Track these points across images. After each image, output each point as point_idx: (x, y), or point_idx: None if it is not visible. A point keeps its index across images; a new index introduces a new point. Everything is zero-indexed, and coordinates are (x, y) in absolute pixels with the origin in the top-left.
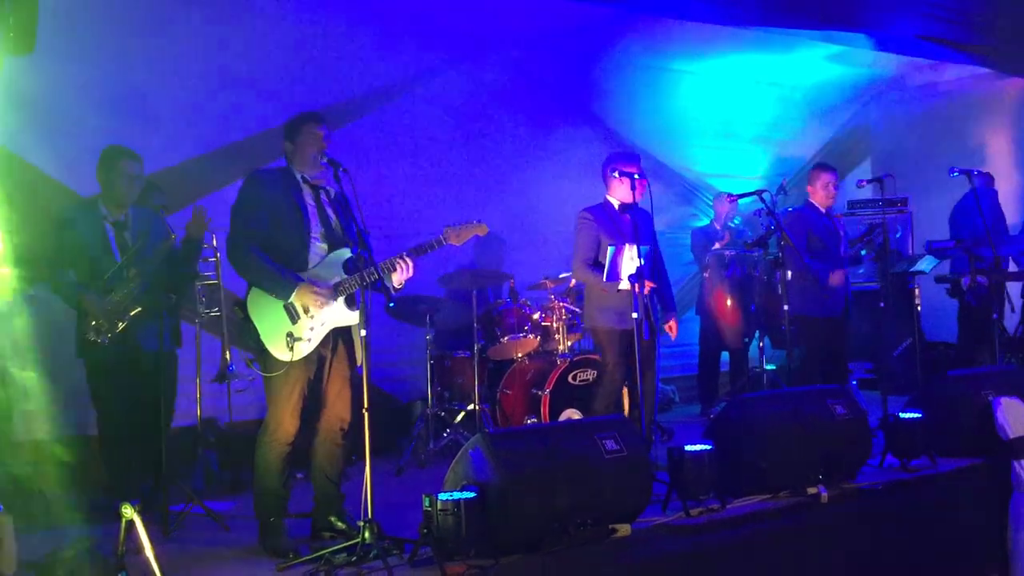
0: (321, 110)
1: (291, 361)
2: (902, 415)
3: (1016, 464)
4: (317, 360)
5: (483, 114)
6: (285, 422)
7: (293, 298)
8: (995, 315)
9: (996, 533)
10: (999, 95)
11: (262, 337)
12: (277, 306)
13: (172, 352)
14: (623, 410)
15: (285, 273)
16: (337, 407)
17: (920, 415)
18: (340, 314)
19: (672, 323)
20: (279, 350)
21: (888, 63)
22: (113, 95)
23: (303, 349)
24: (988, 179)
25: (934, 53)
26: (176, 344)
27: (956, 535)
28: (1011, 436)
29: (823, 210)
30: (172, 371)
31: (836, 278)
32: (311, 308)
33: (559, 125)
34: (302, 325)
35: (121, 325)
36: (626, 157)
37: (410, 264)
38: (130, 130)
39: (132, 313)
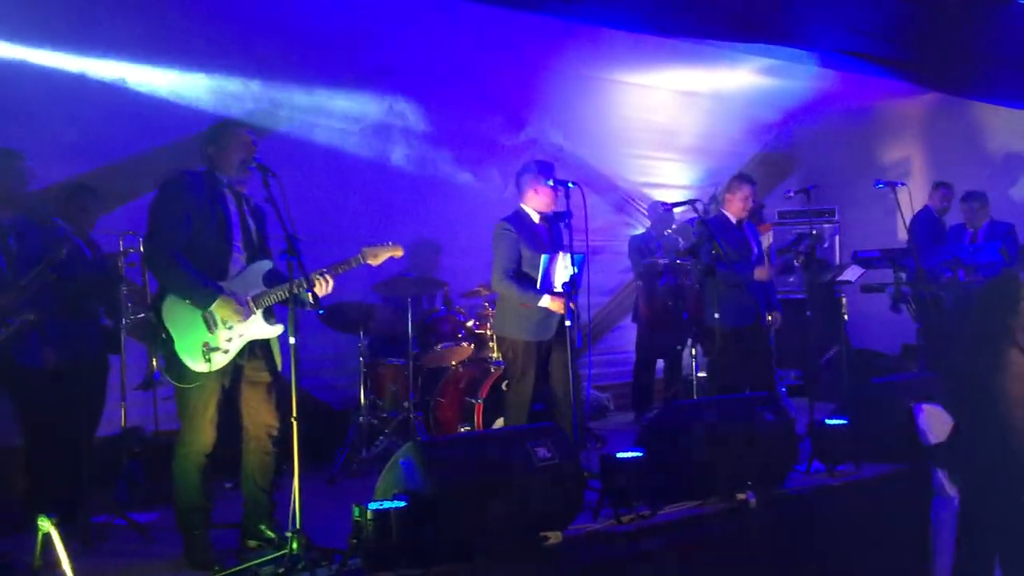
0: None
1: (207, 372)
2: (828, 422)
3: (936, 470)
4: (232, 371)
5: (418, 120)
6: (201, 435)
7: (213, 308)
8: (918, 324)
9: (918, 537)
10: (921, 109)
11: (176, 346)
12: (195, 315)
13: (101, 360)
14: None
15: (207, 282)
16: (262, 414)
17: (845, 422)
18: (259, 327)
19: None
20: (195, 361)
21: (817, 76)
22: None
23: (219, 360)
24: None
25: (858, 67)
26: (110, 350)
27: (880, 539)
28: (932, 442)
29: (734, 220)
30: (100, 379)
31: (761, 273)
32: (228, 319)
33: (496, 133)
34: (220, 336)
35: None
36: (541, 166)
37: (329, 280)
38: (52, 130)
39: (21, 319)
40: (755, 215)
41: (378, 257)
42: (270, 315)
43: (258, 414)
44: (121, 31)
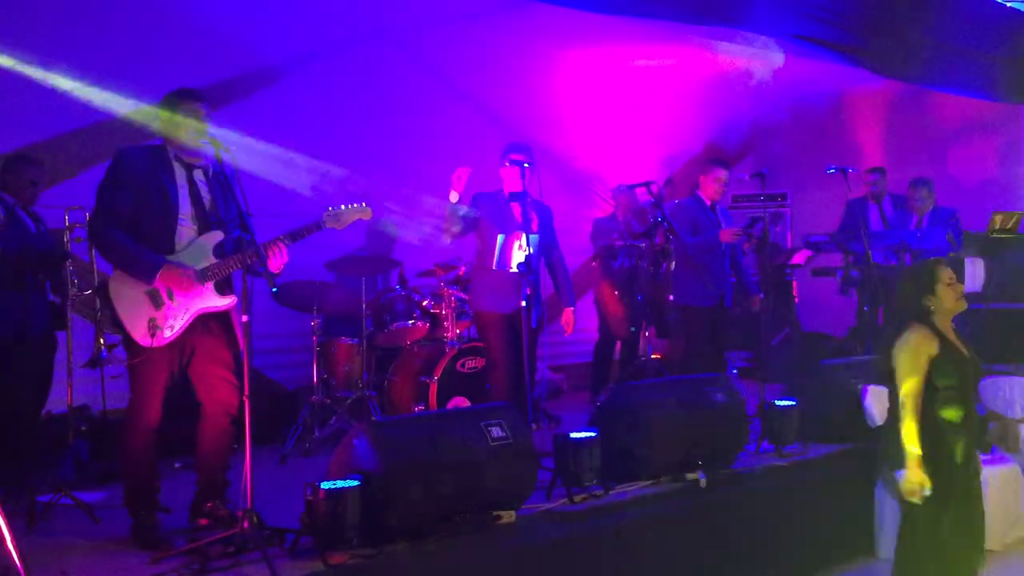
0: (202, 88)
1: (152, 348)
2: (777, 403)
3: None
4: (184, 346)
5: (373, 97)
6: (148, 410)
7: (157, 281)
8: (866, 307)
9: (863, 515)
10: (874, 95)
11: (123, 321)
12: (140, 291)
13: (47, 336)
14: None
15: (147, 255)
16: (220, 392)
17: (794, 403)
18: (208, 300)
19: (567, 315)
20: (140, 336)
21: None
22: None
23: (165, 336)
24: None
25: (810, 52)
26: (57, 327)
27: (827, 518)
28: (878, 422)
29: (708, 203)
30: (46, 356)
31: (726, 234)
32: (175, 293)
33: (452, 111)
34: (165, 312)
35: None
36: (518, 147)
37: (283, 249)
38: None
39: None
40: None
41: (342, 220)
42: (222, 287)
43: (216, 391)
44: None
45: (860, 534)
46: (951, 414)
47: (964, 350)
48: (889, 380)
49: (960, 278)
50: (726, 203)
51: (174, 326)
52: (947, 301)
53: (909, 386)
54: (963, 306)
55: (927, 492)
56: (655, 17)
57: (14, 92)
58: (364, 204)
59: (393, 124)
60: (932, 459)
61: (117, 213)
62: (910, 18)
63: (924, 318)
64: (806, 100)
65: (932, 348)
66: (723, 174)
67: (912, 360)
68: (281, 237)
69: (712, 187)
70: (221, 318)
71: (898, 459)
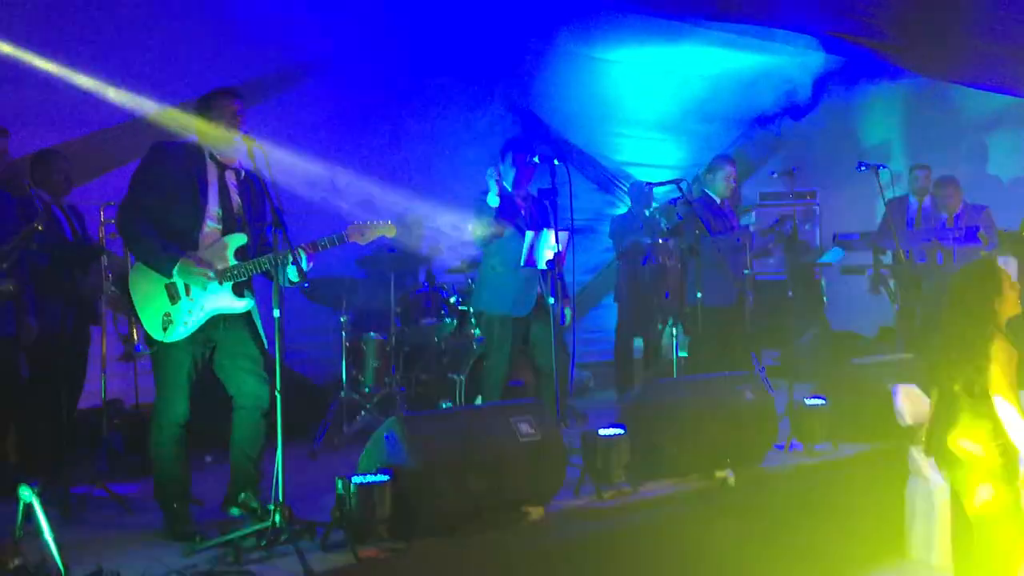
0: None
1: (165, 342)
2: (807, 401)
3: (913, 449)
4: (205, 341)
5: (406, 97)
6: (173, 404)
7: (176, 275)
8: (897, 306)
9: (894, 516)
10: (903, 92)
11: (139, 311)
12: (158, 285)
13: (80, 331)
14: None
15: (168, 248)
16: (250, 385)
17: (824, 402)
18: (224, 300)
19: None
20: (153, 329)
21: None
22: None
23: (178, 332)
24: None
25: (845, 50)
26: (89, 322)
27: (858, 518)
28: (908, 422)
29: (719, 201)
30: (79, 351)
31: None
32: (193, 287)
33: (483, 111)
34: (181, 307)
35: None
36: (517, 143)
37: (302, 257)
38: (43, 97)
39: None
40: (733, 196)
41: (366, 235)
42: (241, 289)
43: (245, 385)
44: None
45: (891, 534)
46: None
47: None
48: (937, 381)
49: None
50: (753, 199)
51: (188, 323)
52: (1009, 305)
53: (1013, 399)
54: (1019, 310)
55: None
56: (688, 16)
57: (45, 91)
58: (389, 221)
59: (420, 124)
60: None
61: (145, 206)
62: (943, 14)
63: (997, 322)
64: (836, 97)
65: (1014, 355)
66: (732, 171)
67: (1007, 372)
68: (302, 247)
69: (721, 184)
70: (244, 317)
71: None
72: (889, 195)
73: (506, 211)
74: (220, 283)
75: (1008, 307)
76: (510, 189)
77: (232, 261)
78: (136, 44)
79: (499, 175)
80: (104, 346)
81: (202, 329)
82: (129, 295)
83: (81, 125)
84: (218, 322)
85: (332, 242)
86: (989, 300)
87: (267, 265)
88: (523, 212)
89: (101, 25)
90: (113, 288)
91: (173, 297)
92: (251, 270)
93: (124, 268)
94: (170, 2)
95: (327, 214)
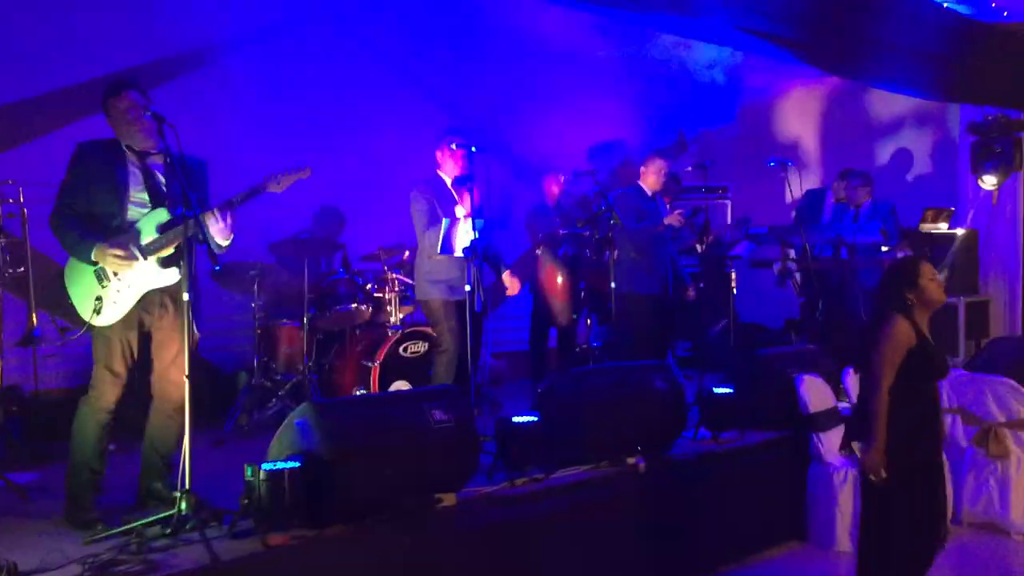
0: (156, 62)
1: (97, 325)
2: (715, 390)
3: (814, 436)
4: (137, 325)
5: (317, 81)
6: (103, 388)
7: (95, 258)
8: (803, 299)
9: (795, 501)
10: (815, 90)
11: (73, 300)
12: (87, 270)
13: None
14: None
15: (85, 235)
16: (172, 374)
17: (731, 391)
18: (151, 276)
19: (507, 274)
20: (87, 313)
21: (712, 53)
22: None
23: (109, 314)
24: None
25: (751, 46)
26: None
27: (761, 503)
28: (811, 411)
29: (650, 193)
30: None
31: (673, 218)
32: (118, 270)
33: (396, 98)
34: (109, 288)
35: None
36: (458, 132)
37: (219, 217)
38: None
39: None
40: (667, 188)
41: (282, 183)
42: (167, 263)
43: (168, 373)
44: None
45: (791, 520)
46: (922, 402)
47: (933, 346)
48: (864, 366)
49: None
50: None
51: (117, 302)
52: (929, 295)
53: (885, 373)
54: (943, 299)
55: (883, 475)
56: (607, 7)
57: None
58: (307, 168)
59: (338, 109)
60: (904, 441)
61: (70, 205)
62: (854, 14)
63: (904, 310)
64: (748, 94)
65: (911, 339)
66: (664, 165)
67: (892, 348)
68: (225, 202)
69: (652, 177)
70: (177, 302)
71: (864, 435)
72: (797, 190)
73: (443, 198)
74: (144, 258)
75: (927, 296)
76: (448, 179)
77: (154, 235)
78: (47, 14)
79: (437, 163)
80: (0, 331)
81: (135, 312)
82: (65, 289)
83: None
84: (153, 307)
85: (249, 195)
86: (900, 289)
87: (185, 233)
88: (458, 199)
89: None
90: (18, 271)
91: (102, 280)
92: (171, 241)
93: (23, 251)
94: None
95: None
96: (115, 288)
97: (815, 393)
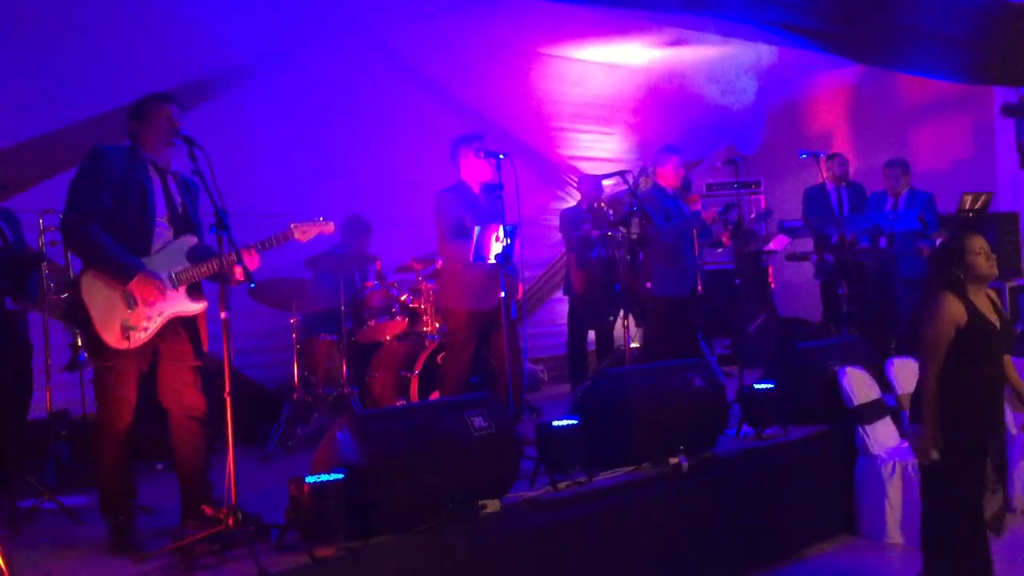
0: (182, 86)
1: (124, 351)
2: (756, 387)
3: (860, 429)
4: (151, 352)
5: (344, 95)
6: (117, 416)
7: (132, 286)
8: (841, 290)
9: (843, 495)
10: (845, 81)
11: (94, 322)
12: (113, 292)
13: (16, 343)
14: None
15: (127, 257)
16: (186, 396)
17: (772, 386)
18: (180, 304)
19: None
20: (112, 338)
21: (745, 49)
22: None
23: (139, 338)
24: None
25: (783, 40)
26: (18, 334)
27: (808, 498)
28: (855, 404)
29: (670, 192)
30: (17, 363)
31: (707, 214)
32: (150, 298)
33: (423, 107)
34: (139, 314)
35: None
36: (477, 137)
37: (255, 256)
38: None
39: None
40: (683, 187)
41: (307, 233)
42: (195, 291)
43: (182, 396)
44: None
45: (840, 513)
46: (977, 380)
47: (995, 319)
48: (919, 347)
49: None
50: (699, 189)
51: (148, 328)
52: (978, 269)
53: (931, 355)
54: (995, 273)
55: (935, 456)
56: (635, 7)
57: None
58: (323, 219)
59: (366, 121)
60: (959, 421)
61: (93, 210)
62: (880, 3)
63: (954, 288)
64: (780, 88)
65: (961, 317)
66: (680, 160)
67: (937, 330)
68: (254, 245)
69: (671, 175)
70: (187, 321)
71: (919, 418)
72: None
73: (467, 206)
74: (175, 288)
75: (976, 271)
76: (469, 183)
77: (184, 263)
78: (70, 48)
79: (459, 169)
80: (47, 356)
81: (152, 337)
82: (83, 303)
83: (14, 133)
84: (165, 331)
85: (278, 240)
86: (948, 267)
87: (216, 267)
88: (481, 205)
89: (33, 31)
90: (62, 296)
91: (130, 303)
92: (203, 272)
93: (66, 277)
94: (102, 7)
95: (270, 215)
96: (145, 315)
97: (859, 385)
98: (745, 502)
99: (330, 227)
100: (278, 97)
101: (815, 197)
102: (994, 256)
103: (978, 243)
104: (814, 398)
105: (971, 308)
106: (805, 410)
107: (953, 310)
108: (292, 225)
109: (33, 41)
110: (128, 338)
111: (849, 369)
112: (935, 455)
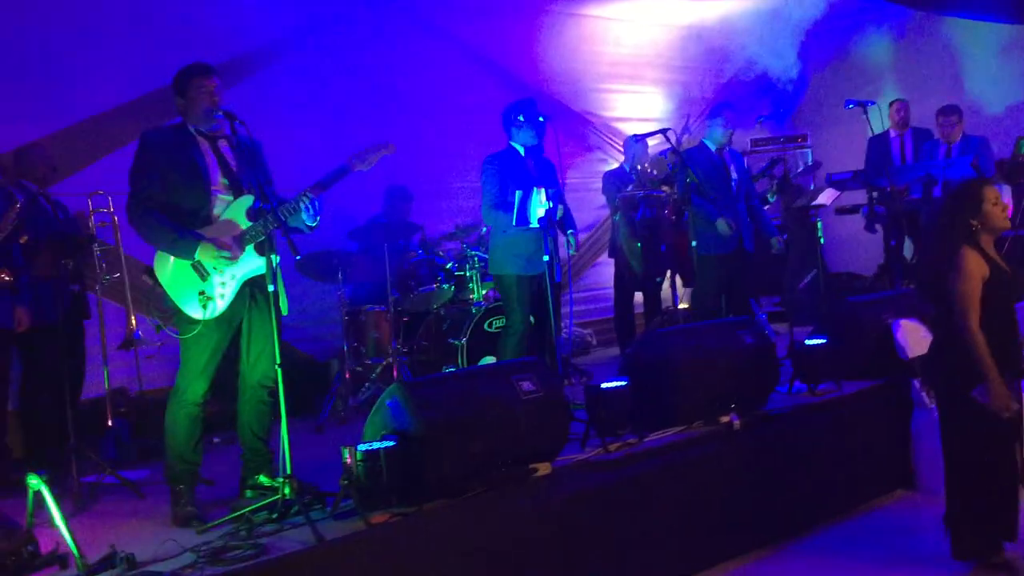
0: (228, 62)
1: (205, 320)
2: (807, 342)
3: (916, 382)
4: (233, 319)
5: (383, 64)
6: (194, 383)
7: (199, 256)
8: (893, 242)
9: (900, 449)
10: (891, 30)
11: (174, 299)
12: (185, 266)
13: (72, 323)
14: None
15: (184, 233)
16: (262, 364)
17: (824, 341)
18: (251, 264)
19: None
20: (193, 309)
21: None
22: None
23: (217, 307)
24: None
25: None
26: (82, 315)
27: (864, 453)
28: (910, 356)
29: (714, 148)
30: (74, 342)
31: (721, 225)
32: (218, 264)
33: (463, 73)
34: (212, 282)
35: None
36: (528, 103)
37: (312, 199)
38: (21, 91)
39: None
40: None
41: (369, 161)
42: (262, 248)
43: (259, 363)
44: None
45: (897, 468)
46: (1001, 329)
47: (1007, 268)
48: (938, 303)
49: None
50: (743, 145)
51: (224, 295)
52: (994, 220)
53: (969, 310)
54: (1007, 225)
55: (1015, 407)
56: None
57: (21, 84)
58: (390, 144)
59: (402, 89)
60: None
61: (149, 195)
62: None
63: (971, 239)
64: (823, 38)
65: (984, 270)
66: (729, 119)
67: (969, 284)
68: (308, 189)
69: (718, 132)
70: (264, 289)
71: (969, 377)
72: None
73: (512, 171)
74: (241, 248)
75: (992, 223)
76: (521, 150)
77: (246, 223)
78: (116, 33)
79: (509, 136)
80: (103, 335)
81: (233, 305)
82: (160, 284)
83: (63, 116)
84: (244, 299)
85: (338, 176)
86: (964, 216)
87: (279, 219)
88: (527, 170)
89: (82, 14)
90: (114, 277)
91: (203, 274)
92: (266, 227)
93: (116, 257)
94: None
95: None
96: (219, 281)
97: (914, 338)
98: (800, 459)
99: (391, 148)
100: (309, 72)
101: (876, 146)
102: (1007, 208)
103: (994, 193)
104: (867, 352)
105: (990, 260)
106: (858, 365)
107: (977, 263)
108: (349, 157)
109: (83, 23)
110: (206, 307)
111: (903, 321)
112: (1015, 404)
